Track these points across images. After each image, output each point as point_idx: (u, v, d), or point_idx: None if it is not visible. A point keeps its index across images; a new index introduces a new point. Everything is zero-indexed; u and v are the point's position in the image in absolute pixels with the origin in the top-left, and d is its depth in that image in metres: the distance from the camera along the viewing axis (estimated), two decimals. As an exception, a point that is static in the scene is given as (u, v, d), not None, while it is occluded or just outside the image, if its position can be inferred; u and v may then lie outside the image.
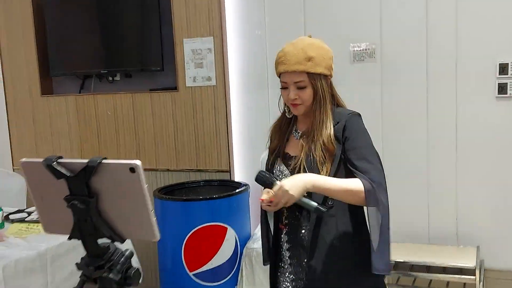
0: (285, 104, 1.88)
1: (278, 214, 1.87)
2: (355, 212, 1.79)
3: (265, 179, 1.72)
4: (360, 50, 3.12)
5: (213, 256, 2.95)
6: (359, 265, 1.75)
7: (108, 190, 1.11)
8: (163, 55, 3.47)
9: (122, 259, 1.21)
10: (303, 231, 1.80)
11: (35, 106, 3.92)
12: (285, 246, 1.86)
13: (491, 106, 2.89)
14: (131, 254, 1.27)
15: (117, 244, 1.30)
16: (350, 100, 3.11)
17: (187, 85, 3.44)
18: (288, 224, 1.85)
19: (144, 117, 3.59)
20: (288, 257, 1.86)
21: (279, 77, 1.82)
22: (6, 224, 2.78)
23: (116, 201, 1.13)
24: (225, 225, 2.95)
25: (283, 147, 1.87)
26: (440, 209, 3.03)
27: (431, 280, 2.78)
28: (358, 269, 1.76)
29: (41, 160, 1.12)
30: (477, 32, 2.88)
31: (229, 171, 3.39)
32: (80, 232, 1.16)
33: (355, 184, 1.69)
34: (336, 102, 1.86)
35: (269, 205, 1.71)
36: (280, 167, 1.85)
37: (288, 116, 1.88)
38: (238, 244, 3.01)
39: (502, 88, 2.85)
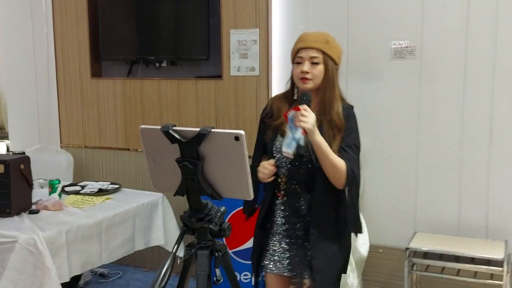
0: (293, 86, 2.15)
1: (275, 183, 2.12)
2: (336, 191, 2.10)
3: (308, 99, 1.98)
4: (401, 47, 3.25)
5: (252, 236, 3.12)
6: (341, 232, 2.15)
7: (214, 154, 1.29)
8: (209, 44, 3.65)
9: (219, 214, 1.39)
10: (302, 201, 2.09)
11: (84, 88, 4.13)
12: (280, 213, 2.14)
13: (526, 106, 3.00)
14: (225, 211, 1.45)
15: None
16: (389, 95, 3.28)
17: (231, 74, 3.61)
18: (286, 194, 2.11)
19: (188, 103, 3.78)
20: (282, 223, 2.14)
21: (296, 54, 2.09)
22: (63, 196, 2.99)
23: (219, 164, 1.31)
24: (264, 208, 3.12)
25: (284, 126, 2.07)
26: (471, 202, 3.15)
27: (459, 270, 2.90)
28: (341, 234, 2.16)
29: (158, 127, 1.31)
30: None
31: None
32: (186, 189, 1.34)
33: (341, 162, 1.99)
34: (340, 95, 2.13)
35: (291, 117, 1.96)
36: (279, 141, 2.09)
37: (294, 98, 2.14)
38: (275, 226, 3.18)
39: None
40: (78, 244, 2.50)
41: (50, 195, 2.91)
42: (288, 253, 2.14)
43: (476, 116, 3.12)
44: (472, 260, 2.86)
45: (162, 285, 1.26)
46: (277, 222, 2.16)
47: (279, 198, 2.14)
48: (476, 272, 2.88)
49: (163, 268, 1.26)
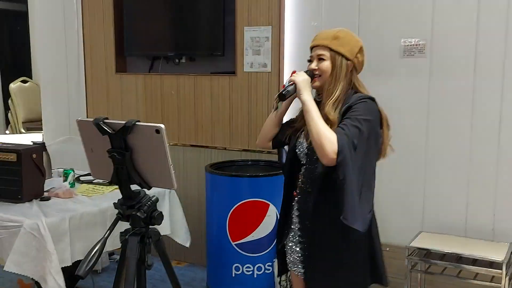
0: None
1: (293, 182, 2.15)
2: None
3: (311, 74, 2.04)
4: (411, 45, 3.21)
5: (255, 229, 3.20)
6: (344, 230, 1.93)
7: (140, 146, 1.39)
8: (224, 41, 3.74)
9: (149, 202, 1.47)
10: (308, 201, 2.04)
11: (109, 83, 4.31)
12: (296, 212, 2.13)
13: (537, 106, 2.91)
14: (157, 200, 1.54)
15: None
16: (398, 93, 3.26)
17: (244, 70, 3.68)
18: (300, 193, 2.11)
19: (204, 98, 3.88)
20: (297, 222, 2.12)
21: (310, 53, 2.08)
22: (76, 184, 3.16)
23: (145, 155, 1.41)
24: (268, 202, 3.19)
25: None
26: (479, 204, 3.09)
27: (460, 270, 2.87)
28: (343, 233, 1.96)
29: (91, 119, 1.41)
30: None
31: (278, 153, 3.61)
32: (118, 178, 1.44)
33: (330, 132, 1.81)
34: (356, 90, 2.03)
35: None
36: (301, 140, 2.11)
37: (317, 100, 2.06)
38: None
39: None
40: (81, 231, 2.63)
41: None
42: (302, 257, 2.11)
43: (486, 116, 3.06)
44: (474, 262, 2.82)
45: (88, 268, 1.35)
46: (294, 222, 2.15)
47: (295, 198, 2.14)
48: (477, 273, 2.84)
49: (92, 251, 1.35)
